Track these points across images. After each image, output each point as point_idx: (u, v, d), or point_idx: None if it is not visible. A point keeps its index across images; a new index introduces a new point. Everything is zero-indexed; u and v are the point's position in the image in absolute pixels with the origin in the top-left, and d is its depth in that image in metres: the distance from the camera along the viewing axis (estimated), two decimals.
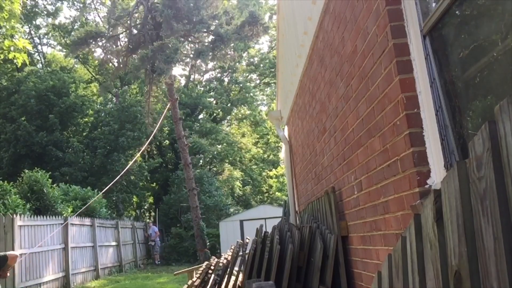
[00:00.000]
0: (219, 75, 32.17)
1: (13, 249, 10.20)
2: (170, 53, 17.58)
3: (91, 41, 19.32)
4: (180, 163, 21.93)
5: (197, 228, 18.25)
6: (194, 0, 18.66)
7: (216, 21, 19.04)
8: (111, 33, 19.66)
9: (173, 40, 18.14)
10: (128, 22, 19.70)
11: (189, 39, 20.43)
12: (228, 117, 33.59)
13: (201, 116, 30.53)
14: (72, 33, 20.26)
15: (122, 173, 12.30)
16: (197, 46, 20.17)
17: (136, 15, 20.31)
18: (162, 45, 17.86)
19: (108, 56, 20.29)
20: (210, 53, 18.80)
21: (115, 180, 11.31)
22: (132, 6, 20.41)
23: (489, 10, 1.96)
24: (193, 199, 18.34)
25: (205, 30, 18.93)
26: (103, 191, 11.77)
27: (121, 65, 20.10)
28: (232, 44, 20.71)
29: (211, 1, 18.85)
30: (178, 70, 44.96)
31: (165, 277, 14.94)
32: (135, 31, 20.01)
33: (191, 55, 20.73)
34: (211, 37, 19.43)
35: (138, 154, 15.29)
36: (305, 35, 5.07)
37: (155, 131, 17.70)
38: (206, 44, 19.39)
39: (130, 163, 14.13)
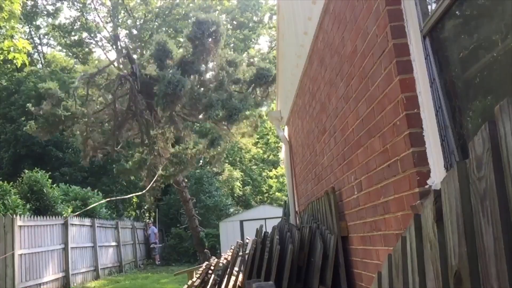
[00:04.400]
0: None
1: (13, 249, 10.21)
2: (180, 160, 14.66)
3: (63, 126, 15.88)
4: None
5: (197, 237, 18.72)
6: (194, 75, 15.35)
7: (226, 91, 15.59)
8: (90, 113, 15.61)
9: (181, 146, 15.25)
10: (111, 97, 16.11)
11: (195, 121, 17.41)
12: None
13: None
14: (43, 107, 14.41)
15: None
16: (206, 129, 17.50)
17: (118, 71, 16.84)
18: (162, 134, 14.95)
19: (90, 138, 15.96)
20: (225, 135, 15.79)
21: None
22: (116, 77, 15.88)
23: (489, 10, 1.96)
24: (193, 222, 18.62)
25: (217, 112, 15.42)
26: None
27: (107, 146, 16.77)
28: (248, 113, 16.75)
29: (212, 55, 16.28)
30: None
31: (165, 277, 14.94)
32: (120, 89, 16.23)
33: (203, 146, 16.71)
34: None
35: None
36: (305, 35, 5.06)
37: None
38: (219, 124, 16.29)
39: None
